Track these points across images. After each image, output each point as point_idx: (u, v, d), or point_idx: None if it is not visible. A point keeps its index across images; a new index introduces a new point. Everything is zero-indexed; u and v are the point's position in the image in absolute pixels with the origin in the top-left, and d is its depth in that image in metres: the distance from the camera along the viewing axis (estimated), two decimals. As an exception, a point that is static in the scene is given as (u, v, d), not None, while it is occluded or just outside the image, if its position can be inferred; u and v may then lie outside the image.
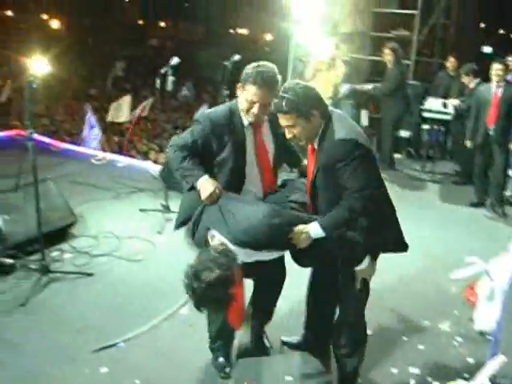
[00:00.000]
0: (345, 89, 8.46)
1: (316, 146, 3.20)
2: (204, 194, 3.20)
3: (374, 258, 3.27)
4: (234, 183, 3.38)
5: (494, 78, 6.84)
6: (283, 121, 3.14)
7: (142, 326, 4.17)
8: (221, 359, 3.76)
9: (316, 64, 8.28)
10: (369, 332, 4.17)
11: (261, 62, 3.33)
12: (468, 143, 7.29)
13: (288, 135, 3.18)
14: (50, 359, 3.80)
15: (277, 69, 3.36)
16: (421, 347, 4.12)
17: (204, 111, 3.76)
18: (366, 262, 3.22)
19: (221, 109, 3.44)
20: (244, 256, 3.10)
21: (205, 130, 3.32)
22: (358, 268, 3.23)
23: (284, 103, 3.06)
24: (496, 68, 6.78)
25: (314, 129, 3.14)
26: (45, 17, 53.17)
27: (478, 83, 7.55)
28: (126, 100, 10.05)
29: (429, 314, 4.55)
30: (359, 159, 3.03)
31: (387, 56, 8.47)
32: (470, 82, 7.74)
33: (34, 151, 4.46)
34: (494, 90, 6.86)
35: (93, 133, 9.00)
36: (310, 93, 3.13)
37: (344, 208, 3.07)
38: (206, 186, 3.22)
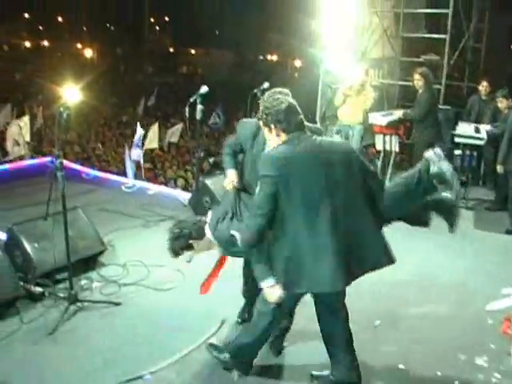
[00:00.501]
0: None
1: None
2: (225, 181, 4.14)
3: None
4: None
5: None
6: None
7: (169, 358, 4.11)
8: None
9: (345, 90, 8.25)
10: (401, 366, 4.07)
11: (281, 96, 3.51)
12: (499, 168, 7.15)
13: None
14: (77, 391, 3.76)
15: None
16: (456, 383, 3.97)
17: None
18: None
19: (250, 123, 4.16)
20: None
21: (237, 135, 4.23)
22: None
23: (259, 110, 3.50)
24: None
25: (275, 140, 3.43)
26: (79, 46, 54.51)
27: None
28: (155, 127, 10.15)
29: (464, 348, 4.37)
30: (266, 178, 3.29)
31: (417, 81, 8.37)
32: (505, 106, 7.62)
33: (64, 181, 4.48)
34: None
35: (136, 152, 9.04)
36: (278, 105, 3.39)
37: (245, 225, 3.53)
38: (229, 175, 4.14)
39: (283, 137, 3.39)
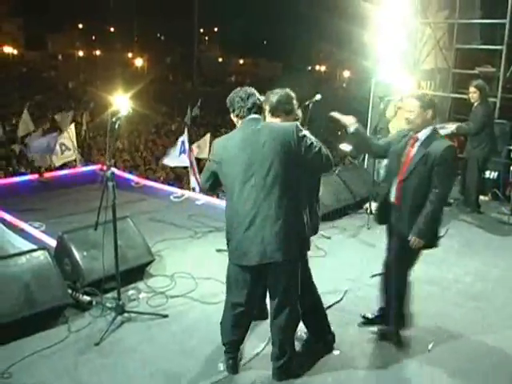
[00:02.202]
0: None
1: None
2: None
3: None
4: None
5: None
6: None
7: (215, 374, 4.03)
8: None
9: (397, 102, 8.10)
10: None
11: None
12: None
13: None
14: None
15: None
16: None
17: None
18: None
19: None
20: None
21: None
22: None
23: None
24: None
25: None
26: (130, 55, 55.60)
27: None
28: (206, 137, 10.16)
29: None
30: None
31: (473, 94, 8.13)
32: None
33: (114, 191, 4.48)
34: None
35: (181, 158, 8.99)
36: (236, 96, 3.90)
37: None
38: None
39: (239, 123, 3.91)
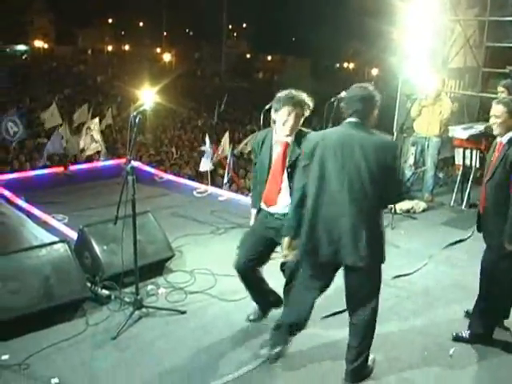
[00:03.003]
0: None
1: None
2: None
3: None
4: None
5: None
6: None
7: (230, 373, 4.00)
8: None
9: (421, 100, 7.98)
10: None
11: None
12: None
13: None
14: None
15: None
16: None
17: None
18: None
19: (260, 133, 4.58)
20: None
21: None
22: None
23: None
24: None
25: None
26: (158, 50, 55.88)
27: None
28: (226, 136, 10.18)
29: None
30: None
31: (501, 93, 7.97)
32: None
33: (134, 186, 4.46)
34: None
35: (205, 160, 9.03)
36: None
37: None
38: None
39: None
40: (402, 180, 3.59)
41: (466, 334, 4.48)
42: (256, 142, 4.45)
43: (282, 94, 4.18)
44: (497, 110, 4.31)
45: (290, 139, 4.18)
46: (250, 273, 4.44)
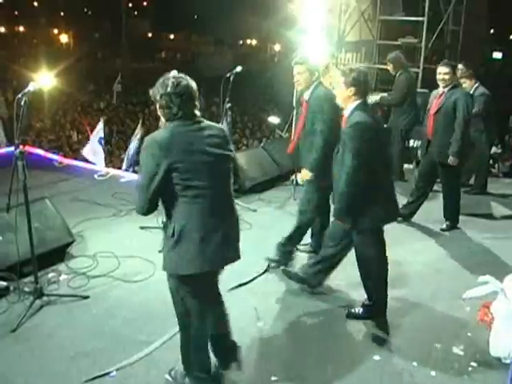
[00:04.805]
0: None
1: None
2: None
3: None
4: None
5: None
6: None
7: (136, 353, 3.96)
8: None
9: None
10: (376, 357, 3.98)
11: None
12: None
13: None
14: (40, 390, 3.59)
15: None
16: (433, 373, 3.86)
17: None
18: None
19: None
20: None
21: None
22: None
23: None
24: None
25: None
26: (55, 31, 53.62)
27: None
28: (138, 128, 9.75)
29: (441, 337, 4.29)
30: None
31: (388, 67, 8.31)
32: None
33: (25, 171, 4.28)
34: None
35: (98, 148, 8.77)
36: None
37: None
38: None
39: None
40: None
41: None
42: None
43: None
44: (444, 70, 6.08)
45: None
46: None
